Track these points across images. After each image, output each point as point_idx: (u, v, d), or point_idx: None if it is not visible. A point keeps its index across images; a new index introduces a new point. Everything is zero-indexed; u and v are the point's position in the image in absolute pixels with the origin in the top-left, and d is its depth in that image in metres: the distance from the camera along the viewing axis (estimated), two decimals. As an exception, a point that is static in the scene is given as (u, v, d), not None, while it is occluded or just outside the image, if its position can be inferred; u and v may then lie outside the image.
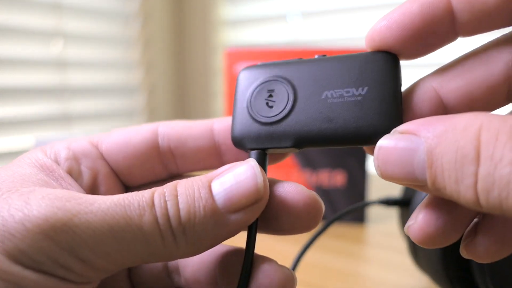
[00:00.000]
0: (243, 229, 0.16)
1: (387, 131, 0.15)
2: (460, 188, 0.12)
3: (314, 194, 0.17)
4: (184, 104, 1.21)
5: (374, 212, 0.50)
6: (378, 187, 0.57)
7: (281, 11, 1.02)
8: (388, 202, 0.32)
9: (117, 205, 0.14)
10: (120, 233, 0.14)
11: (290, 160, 0.45)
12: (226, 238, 0.16)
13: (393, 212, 0.48)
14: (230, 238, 0.16)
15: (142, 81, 1.09)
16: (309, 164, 0.46)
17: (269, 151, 0.17)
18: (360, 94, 0.16)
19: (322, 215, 0.17)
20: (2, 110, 0.80)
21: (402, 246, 0.39)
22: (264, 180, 0.15)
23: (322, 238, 0.41)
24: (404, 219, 0.35)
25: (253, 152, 0.17)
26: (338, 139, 0.16)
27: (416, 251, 0.30)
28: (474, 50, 0.16)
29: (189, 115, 1.20)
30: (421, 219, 0.15)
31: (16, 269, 0.13)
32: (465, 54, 0.16)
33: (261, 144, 0.17)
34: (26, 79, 0.83)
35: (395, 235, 0.42)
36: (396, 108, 0.15)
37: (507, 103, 0.16)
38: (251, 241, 0.16)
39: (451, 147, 0.12)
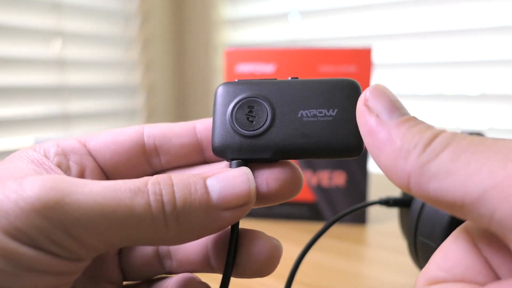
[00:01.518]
0: (227, 226, 0.17)
1: (353, 146, 0.18)
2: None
3: (275, 244, 0.19)
4: (184, 104, 1.21)
5: (375, 213, 0.49)
6: (379, 187, 0.57)
7: (282, 11, 1.02)
8: (388, 203, 0.31)
9: (108, 189, 0.15)
10: (110, 213, 0.15)
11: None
12: (212, 233, 0.17)
13: (394, 213, 0.48)
14: (214, 233, 0.17)
15: (141, 81, 1.09)
16: (310, 164, 0.46)
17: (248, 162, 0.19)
18: (331, 115, 0.18)
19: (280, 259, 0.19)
20: (1, 110, 0.79)
21: (402, 246, 0.39)
22: (255, 187, 0.17)
23: (323, 239, 0.41)
24: (404, 219, 0.34)
25: (234, 162, 0.19)
26: (312, 152, 0.18)
27: (417, 251, 0.30)
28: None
29: (189, 115, 1.20)
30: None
31: (13, 245, 0.14)
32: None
33: (243, 155, 0.19)
34: (25, 78, 0.83)
35: (396, 236, 0.42)
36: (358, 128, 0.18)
37: None
38: (233, 237, 0.18)
39: None
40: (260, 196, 0.18)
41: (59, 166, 0.18)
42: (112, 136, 0.20)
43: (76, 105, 0.93)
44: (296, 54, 0.45)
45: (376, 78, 0.92)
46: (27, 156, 0.18)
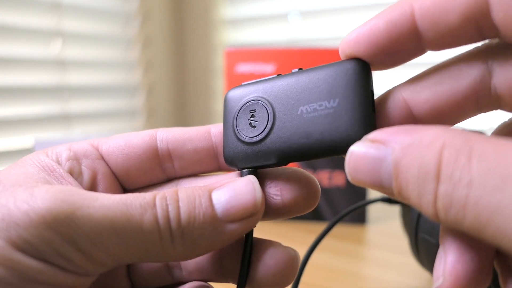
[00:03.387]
0: (236, 239, 0.17)
1: (357, 139, 0.15)
2: (422, 202, 0.13)
3: (292, 254, 0.18)
4: (184, 104, 1.21)
5: (375, 213, 0.49)
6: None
7: (281, 11, 1.02)
8: (390, 200, 0.32)
9: (119, 203, 0.15)
10: (120, 228, 0.15)
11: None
12: (220, 246, 0.17)
13: (394, 213, 0.48)
14: (224, 246, 0.17)
15: (141, 81, 1.09)
16: (310, 164, 0.46)
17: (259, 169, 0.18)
18: (332, 107, 0.16)
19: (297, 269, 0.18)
20: (1, 110, 0.79)
21: (402, 246, 0.39)
22: (261, 196, 0.17)
23: (323, 239, 0.41)
24: (406, 216, 0.35)
25: (245, 171, 0.18)
26: (317, 152, 0.16)
27: (418, 248, 0.30)
28: (444, 62, 0.16)
29: (188, 115, 1.20)
30: (449, 276, 0.14)
31: (19, 257, 0.14)
32: (436, 65, 0.16)
33: (250, 163, 0.18)
34: (25, 79, 0.83)
35: (396, 235, 0.42)
36: (367, 115, 0.15)
37: (476, 115, 0.17)
38: (247, 248, 0.18)
39: (416, 162, 0.13)
40: (274, 207, 0.18)
41: (70, 172, 0.18)
42: (125, 140, 0.20)
43: (76, 105, 0.93)
44: (296, 54, 0.45)
45: (376, 77, 0.92)
46: (39, 161, 0.18)
